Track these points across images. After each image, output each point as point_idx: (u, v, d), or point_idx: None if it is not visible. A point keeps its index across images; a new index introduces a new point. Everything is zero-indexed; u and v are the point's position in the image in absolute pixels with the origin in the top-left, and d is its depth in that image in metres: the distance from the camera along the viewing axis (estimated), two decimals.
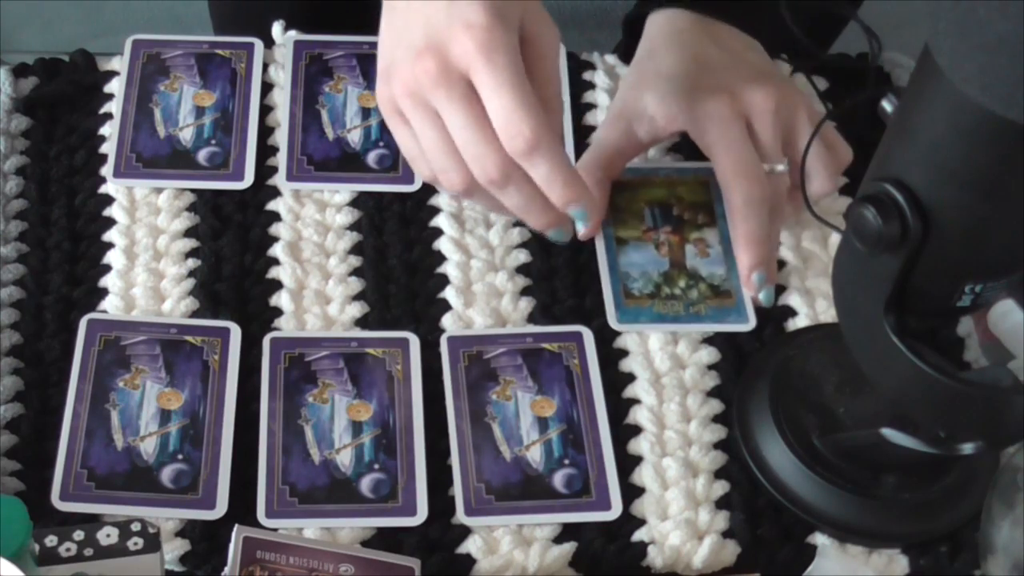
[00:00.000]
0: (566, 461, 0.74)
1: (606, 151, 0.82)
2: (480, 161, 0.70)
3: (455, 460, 0.73)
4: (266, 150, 0.86)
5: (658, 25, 0.85)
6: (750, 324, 0.80)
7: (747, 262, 0.79)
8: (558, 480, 0.73)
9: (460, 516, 0.72)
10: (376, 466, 0.73)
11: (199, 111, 0.87)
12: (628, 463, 0.74)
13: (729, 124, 0.79)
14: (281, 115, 0.87)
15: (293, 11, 0.94)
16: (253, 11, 1.03)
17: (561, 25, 0.90)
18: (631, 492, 0.73)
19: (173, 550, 0.69)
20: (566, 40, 0.81)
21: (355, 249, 0.82)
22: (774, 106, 0.79)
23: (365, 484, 0.72)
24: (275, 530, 0.70)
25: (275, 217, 0.83)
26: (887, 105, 0.65)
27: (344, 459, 0.73)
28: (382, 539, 0.71)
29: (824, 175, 0.80)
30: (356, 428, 0.74)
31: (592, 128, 0.88)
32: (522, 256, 0.82)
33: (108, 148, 0.85)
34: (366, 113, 0.88)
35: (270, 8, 0.94)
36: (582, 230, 0.77)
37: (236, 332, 0.77)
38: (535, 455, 0.74)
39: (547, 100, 0.72)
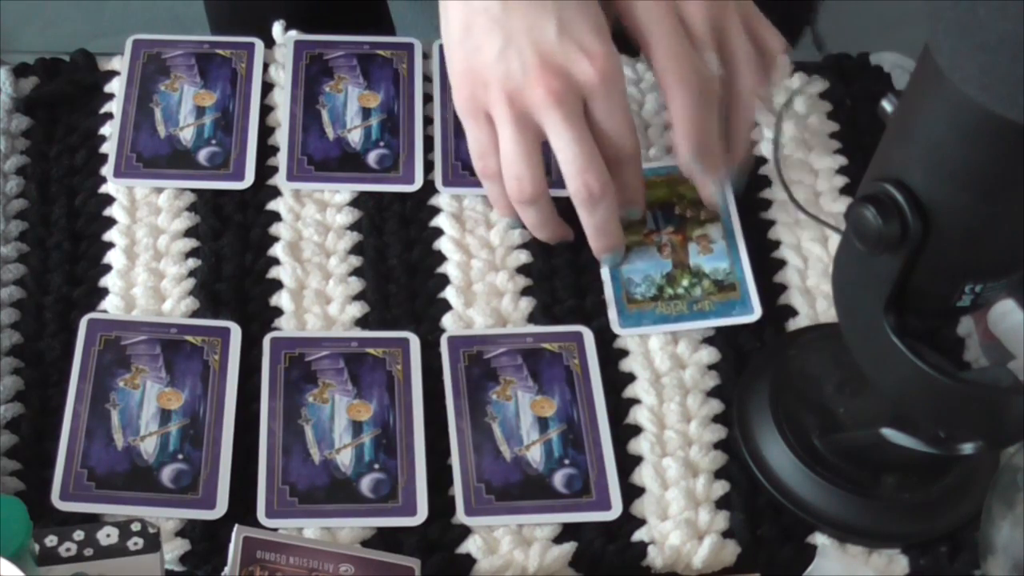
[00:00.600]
0: (566, 461, 0.74)
1: None
2: (583, 175, 0.76)
3: (455, 460, 0.73)
4: (266, 150, 0.86)
5: None
6: (756, 314, 0.79)
7: (684, 147, 0.79)
8: (558, 480, 0.73)
9: (460, 516, 0.72)
10: (376, 466, 0.73)
11: (199, 111, 0.87)
12: (628, 463, 0.74)
13: (662, 15, 0.78)
14: (281, 115, 0.87)
15: (290, 11, 0.95)
16: (251, 11, 1.03)
17: None
18: (631, 492, 0.73)
19: (173, 550, 0.69)
20: None
21: (355, 249, 0.82)
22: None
23: (365, 484, 0.72)
24: (275, 530, 0.70)
25: (275, 217, 0.83)
26: (887, 105, 0.65)
27: (344, 459, 0.73)
28: (382, 539, 0.71)
29: (750, 74, 0.81)
30: (356, 428, 0.74)
31: None
32: (523, 256, 0.82)
33: (108, 148, 0.85)
34: (366, 113, 0.88)
35: (269, 8, 0.94)
36: (635, 218, 0.82)
37: (236, 332, 0.77)
38: (535, 455, 0.74)
39: None
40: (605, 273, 0.81)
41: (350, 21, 0.95)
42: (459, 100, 0.79)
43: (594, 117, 0.76)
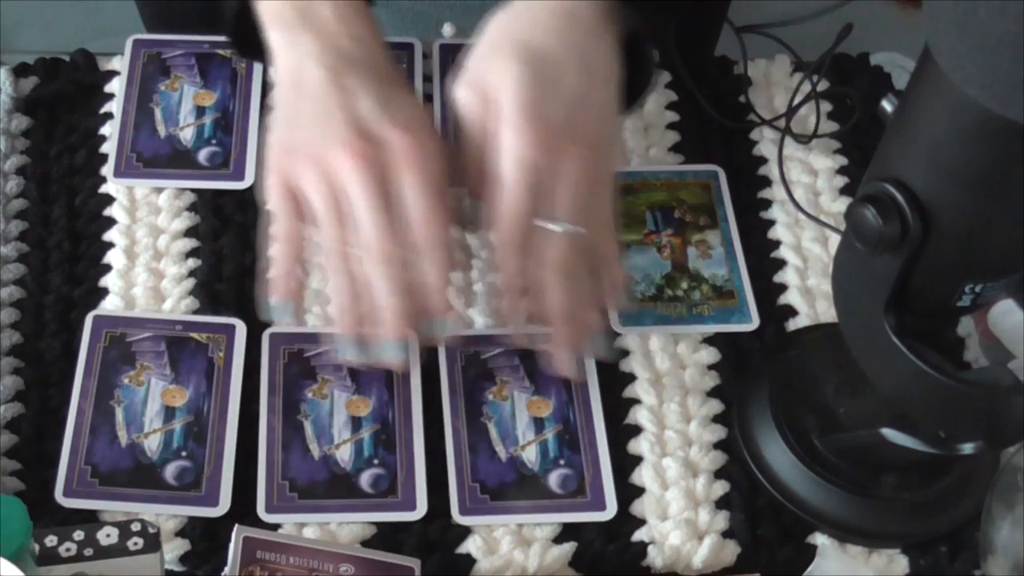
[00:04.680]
0: (561, 461, 0.74)
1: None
2: (378, 243, 0.71)
3: (450, 460, 0.73)
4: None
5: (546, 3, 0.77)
6: (754, 324, 0.80)
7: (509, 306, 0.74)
8: (553, 480, 0.73)
9: (455, 516, 0.72)
10: (375, 461, 0.73)
11: (199, 111, 0.87)
12: (628, 463, 0.75)
13: (522, 169, 0.73)
14: None
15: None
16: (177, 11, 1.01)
17: None
18: (631, 492, 0.73)
19: (173, 550, 0.69)
20: None
21: None
22: (584, 171, 0.74)
23: (365, 479, 0.72)
24: (275, 526, 0.70)
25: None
26: (887, 105, 0.65)
27: (344, 454, 0.73)
28: (382, 539, 0.71)
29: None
30: (355, 423, 0.74)
31: None
32: None
33: (108, 148, 0.85)
34: None
35: (191, 8, 0.94)
36: (437, 336, 0.74)
37: (241, 329, 0.77)
38: (531, 455, 0.74)
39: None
40: None
41: None
42: (270, 170, 0.75)
43: (400, 195, 0.72)
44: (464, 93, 0.75)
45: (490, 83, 0.74)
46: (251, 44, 0.80)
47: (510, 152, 0.73)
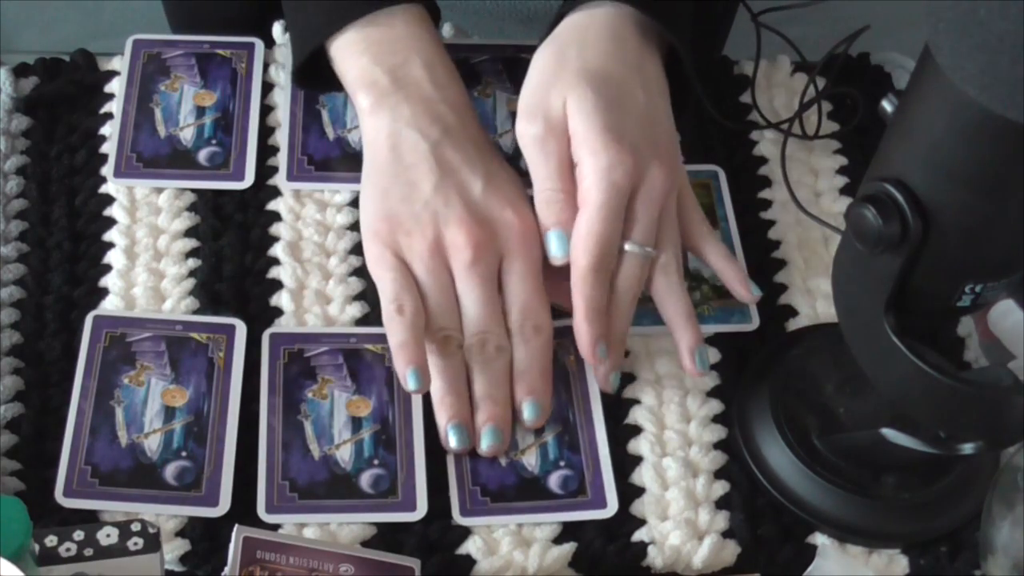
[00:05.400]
0: (561, 463, 0.74)
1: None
2: (484, 334, 0.73)
3: (451, 463, 0.73)
4: (266, 150, 0.86)
5: (594, 19, 0.77)
6: (754, 324, 0.80)
7: (588, 333, 0.72)
8: (553, 481, 0.73)
9: (455, 517, 0.72)
10: (376, 461, 0.73)
11: (199, 111, 0.87)
12: (628, 463, 0.74)
13: (613, 192, 0.73)
14: (281, 115, 0.87)
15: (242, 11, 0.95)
16: (207, 12, 1.02)
17: (527, 22, 0.89)
18: (630, 492, 0.73)
19: (173, 550, 0.69)
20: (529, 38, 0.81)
21: (355, 249, 0.82)
22: (667, 191, 0.75)
23: (365, 479, 0.72)
24: (276, 526, 0.70)
25: (275, 217, 0.83)
26: (887, 105, 0.65)
27: (344, 455, 0.73)
28: (382, 539, 0.71)
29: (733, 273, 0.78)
30: (355, 424, 0.74)
31: None
32: None
33: (108, 148, 0.85)
34: None
35: (221, 9, 0.94)
36: (530, 423, 0.74)
37: (242, 329, 0.77)
38: (531, 459, 0.74)
39: None
40: None
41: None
42: (374, 247, 0.76)
43: (507, 279, 0.74)
44: (526, 126, 0.75)
45: (555, 112, 0.74)
46: (312, 79, 0.83)
47: (596, 176, 0.73)
